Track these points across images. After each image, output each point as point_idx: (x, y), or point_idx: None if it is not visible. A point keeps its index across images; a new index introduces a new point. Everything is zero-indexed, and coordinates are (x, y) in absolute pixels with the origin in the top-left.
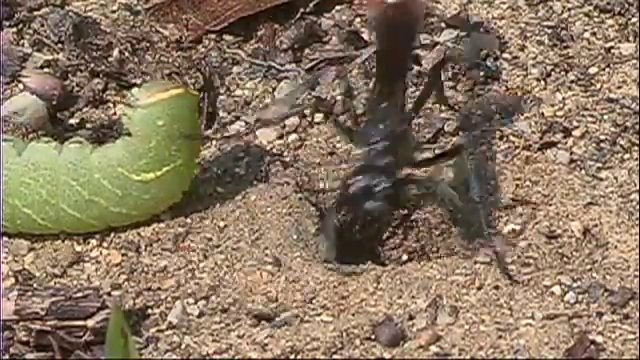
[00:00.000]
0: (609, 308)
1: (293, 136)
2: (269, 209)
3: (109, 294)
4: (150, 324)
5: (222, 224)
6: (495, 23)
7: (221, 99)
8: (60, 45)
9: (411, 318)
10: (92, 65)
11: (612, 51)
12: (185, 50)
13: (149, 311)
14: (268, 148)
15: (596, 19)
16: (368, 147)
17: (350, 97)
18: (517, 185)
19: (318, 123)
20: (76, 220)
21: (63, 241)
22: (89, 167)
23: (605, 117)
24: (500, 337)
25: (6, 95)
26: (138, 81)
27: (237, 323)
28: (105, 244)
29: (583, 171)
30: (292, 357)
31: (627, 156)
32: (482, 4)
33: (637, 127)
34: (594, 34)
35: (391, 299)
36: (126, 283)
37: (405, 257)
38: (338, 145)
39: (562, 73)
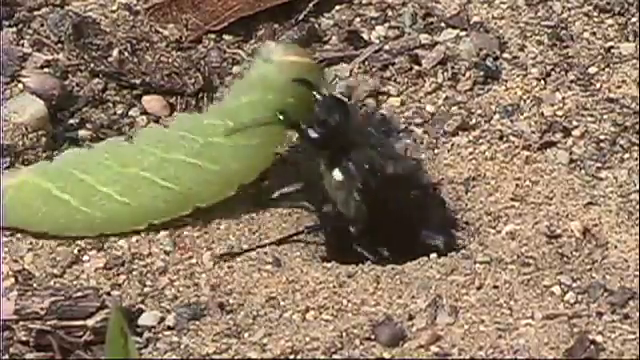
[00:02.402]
0: (609, 308)
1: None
2: (269, 209)
3: (109, 294)
4: (150, 324)
5: (222, 224)
6: (495, 23)
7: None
8: (60, 45)
9: (411, 318)
10: (92, 65)
11: (612, 51)
12: (185, 50)
13: (149, 311)
14: None
15: (596, 19)
16: None
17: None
18: (517, 185)
19: None
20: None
21: (63, 241)
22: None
23: (605, 117)
24: (500, 337)
25: (6, 95)
26: (138, 81)
27: (236, 323)
28: (105, 244)
29: (583, 171)
30: (292, 357)
31: (627, 156)
32: (482, 4)
33: (637, 127)
34: (594, 34)
35: (391, 299)
36: (126, 283)
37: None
38: None
39: (562, 73)
